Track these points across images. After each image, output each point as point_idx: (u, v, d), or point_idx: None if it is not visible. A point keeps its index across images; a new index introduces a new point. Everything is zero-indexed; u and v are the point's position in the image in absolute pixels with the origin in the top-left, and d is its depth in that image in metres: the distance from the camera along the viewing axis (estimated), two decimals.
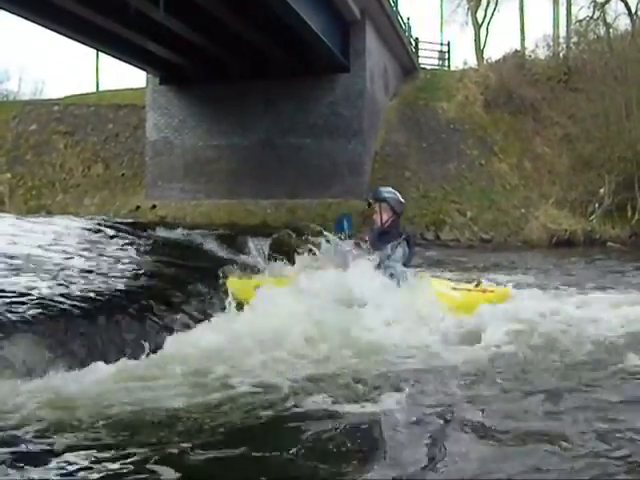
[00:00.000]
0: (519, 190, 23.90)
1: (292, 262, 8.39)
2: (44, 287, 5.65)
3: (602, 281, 11.24)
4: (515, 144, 25.47)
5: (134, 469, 3.16)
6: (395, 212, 7.48)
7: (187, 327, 5.95)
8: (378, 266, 7.17)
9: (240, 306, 6.53)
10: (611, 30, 31.01)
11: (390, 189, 7.72)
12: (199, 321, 6.14)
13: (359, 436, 3.72)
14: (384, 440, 3.62)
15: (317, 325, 5.90)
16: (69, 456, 3.30)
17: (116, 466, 3.19)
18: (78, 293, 5.65)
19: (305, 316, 6.05)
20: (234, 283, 7.08)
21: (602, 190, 22.84)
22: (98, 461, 3.24)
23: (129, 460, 3.25)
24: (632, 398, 4.29)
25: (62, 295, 5.45)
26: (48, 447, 3.41)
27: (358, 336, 5.82)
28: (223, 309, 6.52)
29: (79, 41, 21.28)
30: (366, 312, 6.32)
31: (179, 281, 7.03)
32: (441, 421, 3.81)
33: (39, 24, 19.31)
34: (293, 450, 3.41)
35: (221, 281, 6.98)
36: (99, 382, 4.40)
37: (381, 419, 3.90)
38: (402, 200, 7.66)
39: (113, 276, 6.70)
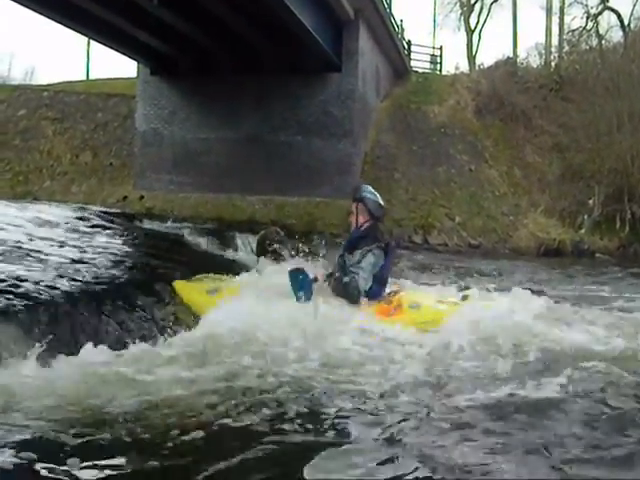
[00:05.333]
0: (508, 197, 23.86)
1: (280, 259, 8.26)
2: (29, 276, 5.55)
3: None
4: (505, 151, 25.44)
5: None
6: (372, 216, 6.50)
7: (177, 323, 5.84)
8: (330, 275, 6.38)
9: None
10: (603, 42, 31.18)
11: (370, 189, 6.66)
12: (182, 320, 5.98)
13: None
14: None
15: None
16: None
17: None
18: (63, 284, 5.54)
19: None
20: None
21: (591, 201, 22.88)
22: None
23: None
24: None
25: (47, 286, 5.35)
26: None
27: None
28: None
29: (71, 28, 20.98)
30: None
31: (164, 275, 6.92)
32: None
33: (31, 9, 19.05)
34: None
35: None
36: (74, 374, 4.31)
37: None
38: (382, 203, 6.59)
39: (102, 268, 6.60)
